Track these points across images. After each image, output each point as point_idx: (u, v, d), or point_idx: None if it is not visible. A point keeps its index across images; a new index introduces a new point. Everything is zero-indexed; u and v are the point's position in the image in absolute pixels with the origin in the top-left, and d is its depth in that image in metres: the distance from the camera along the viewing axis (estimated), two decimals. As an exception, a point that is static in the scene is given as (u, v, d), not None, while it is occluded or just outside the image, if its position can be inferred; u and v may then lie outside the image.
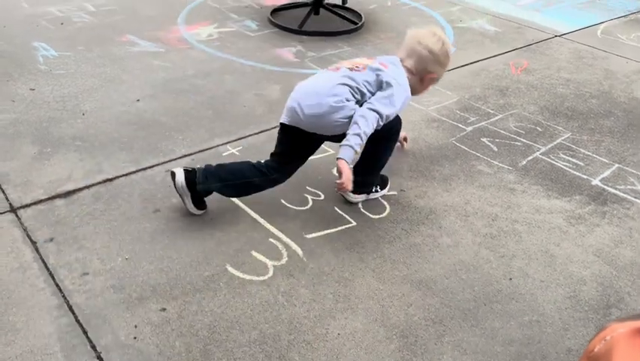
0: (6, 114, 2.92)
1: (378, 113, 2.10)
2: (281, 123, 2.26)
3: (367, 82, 2.18)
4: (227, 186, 2.22)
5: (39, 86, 3.23)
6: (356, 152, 2.09)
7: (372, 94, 2.18)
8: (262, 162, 2.26)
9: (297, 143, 2.27)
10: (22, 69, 3.40)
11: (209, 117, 3.02)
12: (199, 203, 2.25)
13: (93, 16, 4.31)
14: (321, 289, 1.97)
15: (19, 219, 2.20)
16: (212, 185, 2.20)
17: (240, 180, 2.22)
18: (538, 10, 5.13)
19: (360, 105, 2.15)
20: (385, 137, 2.28)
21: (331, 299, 1.93)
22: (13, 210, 2.25)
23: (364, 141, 2.11)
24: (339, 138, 2.18)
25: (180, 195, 2.22)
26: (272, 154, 2.30)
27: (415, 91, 2.32)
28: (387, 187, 2.49)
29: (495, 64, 3.92)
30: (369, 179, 2.40)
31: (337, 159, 2.08)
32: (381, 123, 2.13)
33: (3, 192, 2.35)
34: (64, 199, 2.33)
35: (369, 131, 2.09)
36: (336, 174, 2.35)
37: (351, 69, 2.21)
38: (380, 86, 2.18)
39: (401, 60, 2.29)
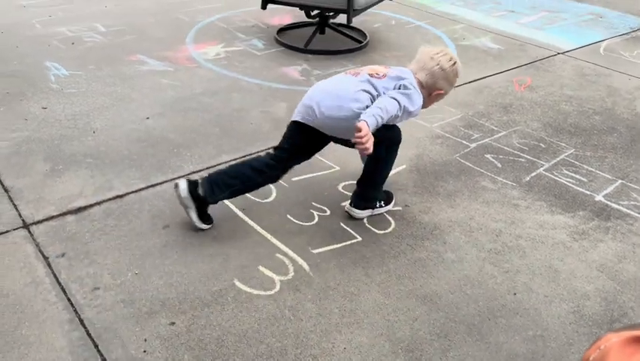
0: (19, 132, 2.99)
1: (398, 102, 2.12)
2: (293, 121, 2.32)
3: (387, 89, 2.20)
4: (234, 192, 2.29)
5: (51, 104, 3.30)
6: (376, 120, 2.02)
7: None
8: (261, 159, 2.32)
9: (306, 141, 2.32)
10: (35, 88, 3.49)
11: (217, 134, 3.08)
12: (204, 216, 2.29)
13: (103, 36, 4.41)
14: (327, 303, 2.00)
15: (31, 235, 2.25)
16: (219, 196, 2.26)
17: (245, 183, 2.28)
18: (541, 28, 5.19)
19: None
20: (386, 148, 2.32)
21: (337, 314, 1.96)
22: (25, 226, 2.30)
23: (384, 120, 2.06)
24: (347, 141, 2.24)
25: (185, 207, 2.26)
26: (275, 148, 2.37)
27: (425, 105, 2.36)
28: (392, 203, 2.53)
29: (498, 81, 3.97)
30: (372, 193, 2.43)
31: (359, 120, 2.00)
32: (399, 115, 2.14)
33: (16, 208, 2.40)
34: (75, 215, 2.38)
35: (389, 114, 2.08)
36: (343, 191, 2.40)
37: (371, 75, 2.23)
38: (399, 89, 2.22)
39: (413, 73, 2.32)
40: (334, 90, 2.23)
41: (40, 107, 3.26)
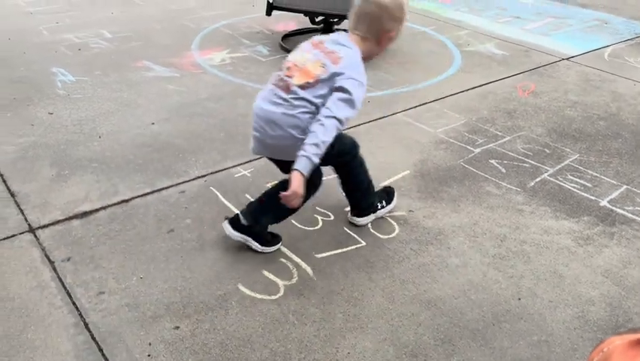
0: (26, 137, 3.01)
1: (337, 119, 1.95)
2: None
3: (322, 96, 2.00)
4: (277, 216, 2.23)
5: (57, 110, 3.33)
6: (313, 163, 1.93)
7: None
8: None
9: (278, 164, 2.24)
10: (42, 94, 3.52)
11: (222, 140, 3.09)
12: (266, 240, 2.24)
13: (109, 42, 4.45)
14: (331, 308, 2.00)
15: (37, 239, 2.27)
16: (264, 220, 2.20)
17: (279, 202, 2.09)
18: (546, 34, 5.20)
19: None
20: (345, 163, 2.28)
21: (341, 318, 1.96)
22: (31, 230, 2.32)
23: (323, 150, 1.94)
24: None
25: (246, 243, 2.22)
26: None
27: (371, 55, 2.15)
28: (395, 199, 2.51)
29: (502, 87, 3.98)
30: (365, 202, 2.40)
31: (292, 170, 1.93)
32: (342, 127, 2.00)
33: (22, 212, 2.42)
34: (80, 220, 2.39)
35: (329, 139, 1.94)
36: (342, 194, 2.40)
37: (302, 87, 2.00)
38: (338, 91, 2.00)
39: (350, 31, 2.10)
40: (273, 118, 2.03)
41: (46, 113, 3.29)
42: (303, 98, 1.99)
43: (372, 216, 2.44)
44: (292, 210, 2.17)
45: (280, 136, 2.03)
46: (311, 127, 1.95)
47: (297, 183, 1.91)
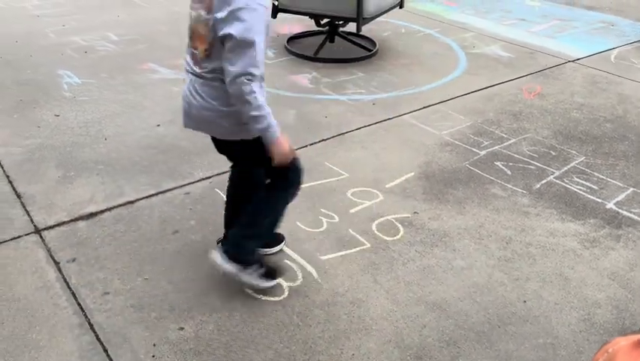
0: (32, 139, 3.03)
1: (242, 75, 1.66)
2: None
3: (223, 61, 1.70)
4: (262, 235, 2.03)
5: (63, 112, 3.34)
6: (270, 130, 1.76)
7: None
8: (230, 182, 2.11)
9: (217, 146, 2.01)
10: (48, 96, 3.53)
11: (227, 142, 3.09)
12: (264, 274, 2.01)
13: (116, 45, 4.47)
14: (336, 310, 2.00)
15: (43, 240, 2.28)
16: (249, 247, 1.98)
17: (266, 219, 1.99)
18: (552, 36, 5.18)
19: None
20: (278, 186, 1.99)
21: (346, 320, 1.96)
22: (37, 231, 2.33)
23: (265, 112, 1.73)
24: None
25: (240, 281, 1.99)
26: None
27: None
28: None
29: (508, 89, 3.97)
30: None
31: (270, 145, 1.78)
32: (258, 72, 1.70)
33: (28, 214, 2.43)
34: (86, 221, 2.40)
35: (255, 102, 1.70)
36: (351, 198, 2.39)
37: (207, 56, 1.74)
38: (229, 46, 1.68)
39: None
40: (195, 85, 1.82)
41: (52, 115, 3.30)
42: (213, 70, 1.74)
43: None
44: (262, 210, 1.98)
45: (201, 106, 1.80)
46: (235, 101, 1.73)
47: (277, 151, 1.79)
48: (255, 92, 1.69)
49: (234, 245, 1.97)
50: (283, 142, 1.81)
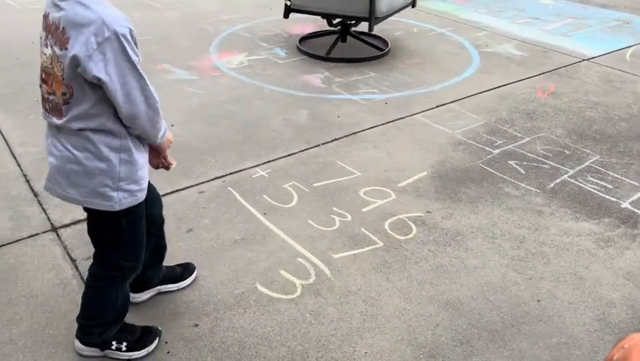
0: (48, 139, 3.07)
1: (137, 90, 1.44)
2: None
3: (92, 106, 1.43)
4: (107, 323, 1.75)
5: (79, 112, 3.38)
6: (160, 135, 1.60)
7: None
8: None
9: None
10: (64, 96, 3.58)
11: (240, 141, 3.12)
12: (137, 342, 1.78)
13: (130, 45, 4.51)
14: (348, 308, 2.01)
15: (59, 237, 2.31)
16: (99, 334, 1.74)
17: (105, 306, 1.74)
18: (566, 34, 5.14)
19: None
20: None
21: (358, 318, 1.96)
22: (54, 229, 2.36)
23: (159, 126, 1.57)
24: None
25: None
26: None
27: None
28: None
29: (522, 88, 3.94)
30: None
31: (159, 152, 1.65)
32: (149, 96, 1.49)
33: (45, 212, 2.47)
34: (102, 219, 2.42)
35: (153, 126, 1.52)
36: (364, 197, 2.39)
37: (66, 102, 1.44)
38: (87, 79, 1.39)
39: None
40: (55, 164, 1.57)
41: (68, 115, 3.34)
42: (79, 116, 1.44)
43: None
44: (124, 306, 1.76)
45: (71, 171, 1.51)
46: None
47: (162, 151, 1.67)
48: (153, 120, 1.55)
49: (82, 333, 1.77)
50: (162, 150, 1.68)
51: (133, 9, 5.50)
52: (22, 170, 2.77)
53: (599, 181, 2.84)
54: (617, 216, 2.56)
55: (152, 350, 1.80)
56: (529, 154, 3.06)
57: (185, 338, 1.86)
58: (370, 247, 2.31)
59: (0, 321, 1.90)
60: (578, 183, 2.81)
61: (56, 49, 1.39)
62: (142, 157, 1.60)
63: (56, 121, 1.47)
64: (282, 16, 4.46)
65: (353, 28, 4.64)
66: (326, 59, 4.34)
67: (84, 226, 2.37)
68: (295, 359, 1.80)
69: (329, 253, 2.26)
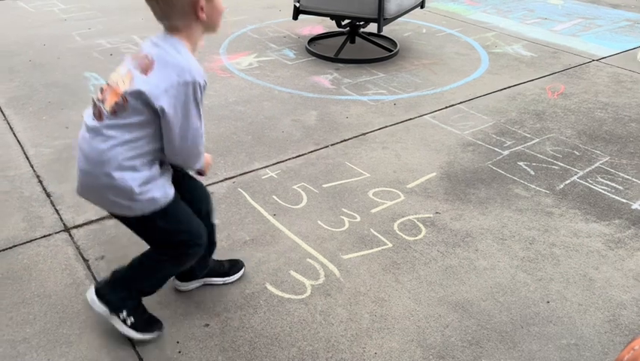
0: (60, 140, 3.10)
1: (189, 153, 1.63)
2: None
3: (140, 124, 1.57)
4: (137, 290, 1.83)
5: (90, 113, 3.42)
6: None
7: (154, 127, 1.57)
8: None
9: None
10: (75, 98, 3.62)
11: (249, 142, 3.14)
12: (143, 324, 1.84)
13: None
14: (358, 308, 2.02)
15: (72, 238, 2.34)
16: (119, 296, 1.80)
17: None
18: (575, 35, 5.12)
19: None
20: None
21: (368, 319, 1.97)
22: (66, 229, 2.39)
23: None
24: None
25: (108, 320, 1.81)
26: None
27: (198, 38, 1.63)
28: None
29: (531, 88, 3.93)
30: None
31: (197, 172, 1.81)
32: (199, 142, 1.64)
33: (57, 212, 2.50)
34: (113, 220, 2.44)
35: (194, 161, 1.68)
36: (373, 198, 2.40)
37: (112, 112, 1.57)
38: (155, 112, 1.54)
39: (166, 30, 1.62)
40: (84, 147, 1.64)
41: (80, 116, 3.36)
42: (115, 126, 1.57)
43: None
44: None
45: (88, 172, 1.63)
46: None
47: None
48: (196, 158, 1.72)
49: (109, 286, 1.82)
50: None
51: (142, 10, 5.52)
52: (35, 171, 2.81)
53: (609, 182, 2.83)
54: (628, 218, 2.55)
55: (164, 349, 1.82)
56: (538, 155, 3.06)
57: (196, 337, 1.88)
58: (379, 248, 2.32)
59: (14, 320, 1.93)
60: (587, 184, 2.81)
61: (135, 71, 1.56)
62: (164, 172, 1.70)
63: (95, 123, 1.61)
64: (290, 17, 4.47)
65: (362, 29, 4.65)
66: (335, 60, 4.35)
67: (97, 226, 2.41)
68: (305, 359, 1.81)
69: (338, 254, 2.28)
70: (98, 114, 1.60)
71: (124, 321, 1.80)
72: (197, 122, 1.59)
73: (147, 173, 1.62)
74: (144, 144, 1.59)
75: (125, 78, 1.57)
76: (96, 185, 1.63)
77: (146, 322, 1.85)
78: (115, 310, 1.80)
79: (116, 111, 1.56)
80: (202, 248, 1.79)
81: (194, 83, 1.53)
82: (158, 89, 1.51)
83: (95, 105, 1.64)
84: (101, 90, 1.64)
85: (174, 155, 1.63)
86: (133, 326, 1.81)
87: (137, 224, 1.71)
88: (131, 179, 1.59)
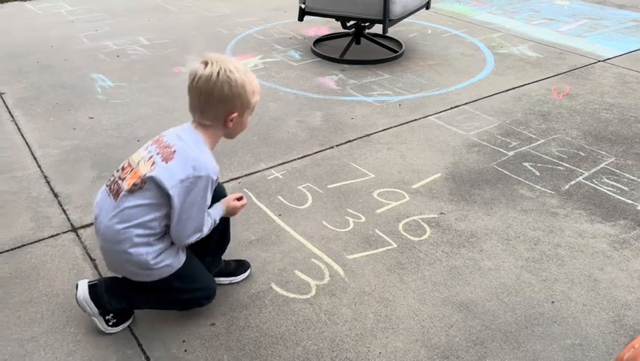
0: (68, 141, 3.13)
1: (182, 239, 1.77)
2: None
3: (155, 206, 1.72)
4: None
5: (97, 114, 3.45)
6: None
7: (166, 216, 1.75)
8: None
9: None
10: (82, 99, 3.65)
11: (255, 143, 3.15)
12: (118, 318, 1.90)
13: (147, 49, 4.58)
14: (362, 308, 2.02)
15: (79, 238, 2.36)
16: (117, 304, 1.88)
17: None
18: (581, 35, 5.11)
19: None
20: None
21: (372, 319, 1.98)
22: (74, 229, 2.41)
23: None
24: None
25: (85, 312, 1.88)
26: None
27: (216, 139, 1.83)
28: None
29: (536, 89, 3.93)
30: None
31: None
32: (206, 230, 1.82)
33: (65, 212, 2.52)
34: (120, 220, 2.47)
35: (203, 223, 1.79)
36: (378, 198, 2.40)
37: (130, 191, 1.72)
38: (168, 199, 1.70)
39: (194, 121, 1.80)
40: (100, 226, 1.79)
41: (87, 117, 3.41)
42: (132, 207, 1.71)
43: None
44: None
45: (108, 250, 1.79)
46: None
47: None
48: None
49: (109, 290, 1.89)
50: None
51: (149, 12, 5.58)
52: (42, 171, 2.84)
53: (614, 183, 2.82)
54: (633, 219, 2.55)
55: (170, 348, 1.84)
56: (544, 156, 3.06)
57: (202, 336, 1.89)
58: (384, 248, 2.33)
59: (22, 319, 1.95)
60: (593, 185, 2.80)
61: (158, 157, 1.73)
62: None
63: (112, 201, 1.76)
64: (296, 18, 4.49)
65: (367, 30, 4.66)
66: (340, 61, 4.36)
67: (103, 226, 2.43)
68: (310, 358, 1.82)
69: (343, 254, 2.29)
70: (116, 191, 1.76)
71: (107, 321, 1.89)
72: (201, 214, 1.75)
73: (160, 245, 1.78)
74: (157, 225, 1.75)
75: (147, 162, 1.73)
76: (117, 260, 1.80)
77: (118, 316, 1.92)
78: (101, 313, 1.88)
79: (133, 191, 1.72)
80: (211, 300, 1.96)
81: (207, 178, 1.70)
82: (175, 178, 1.68)
83: (114, 181, 1.80)
84: (122, 168, 1.80)
85: (175, 238, 1.79)
86: (113, 325, 1.90)
87: (157, 286, 1.84)
88: (146, 253, 1.75)
